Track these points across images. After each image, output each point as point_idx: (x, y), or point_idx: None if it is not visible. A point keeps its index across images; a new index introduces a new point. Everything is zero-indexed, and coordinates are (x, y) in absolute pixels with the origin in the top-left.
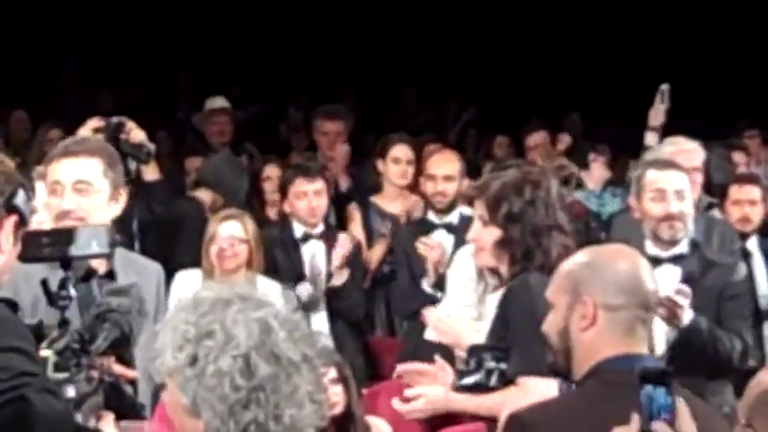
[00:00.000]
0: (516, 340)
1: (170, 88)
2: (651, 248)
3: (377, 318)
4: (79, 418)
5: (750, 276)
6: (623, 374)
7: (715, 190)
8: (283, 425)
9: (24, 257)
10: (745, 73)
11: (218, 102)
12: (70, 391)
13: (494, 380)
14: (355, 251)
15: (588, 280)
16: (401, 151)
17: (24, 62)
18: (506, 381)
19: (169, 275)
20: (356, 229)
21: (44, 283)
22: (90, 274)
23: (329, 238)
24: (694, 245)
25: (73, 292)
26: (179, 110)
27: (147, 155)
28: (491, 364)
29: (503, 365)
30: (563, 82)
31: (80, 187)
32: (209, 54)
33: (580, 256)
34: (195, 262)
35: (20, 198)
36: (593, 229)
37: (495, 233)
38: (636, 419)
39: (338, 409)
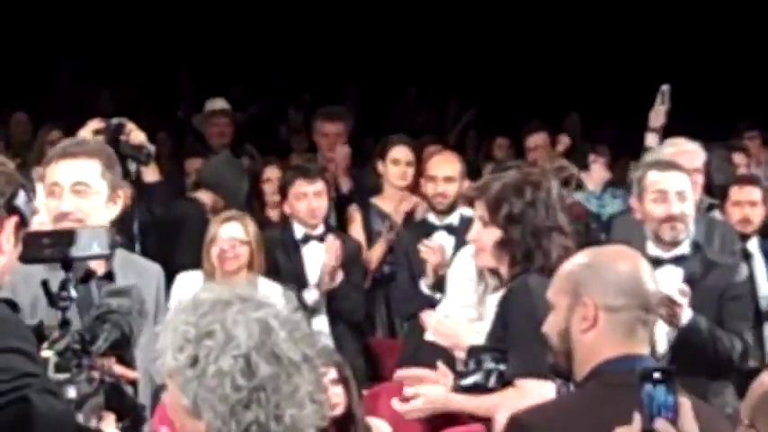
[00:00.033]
0: (515, 342)
1: (170, 89)
2: (653, 249)
3: (377, 319)
4: (80, 418)
5: (750, 277)
6: (624, 375)
7: (715, 191)
8: (284, 425)
9: (25, 258)
10: (745, 74)
11: (218, 103)
12: (71, 392)
13: (492, 381)
14: (356, 252)
15: (589, 281)
16: (401, 152)
17: (24, 63)
18: (505, 382)
19: (170, 277)
20: (356, 231)
21: (45, 284)
22: (89, 275)
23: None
24: (696, 246)
25: (74, 293)
26: (179, 109)
27: (147, 156)
28: (490, 364)
29: (501, 366)
30: (563, 83)
31: (78, 189)
32: (208, 54)
33: (580, 258)
34: (196, 263)
35: (21, 199)
36: (593, 231)
37: (495, 234)
38: (638, 418)
39: (339, 410)
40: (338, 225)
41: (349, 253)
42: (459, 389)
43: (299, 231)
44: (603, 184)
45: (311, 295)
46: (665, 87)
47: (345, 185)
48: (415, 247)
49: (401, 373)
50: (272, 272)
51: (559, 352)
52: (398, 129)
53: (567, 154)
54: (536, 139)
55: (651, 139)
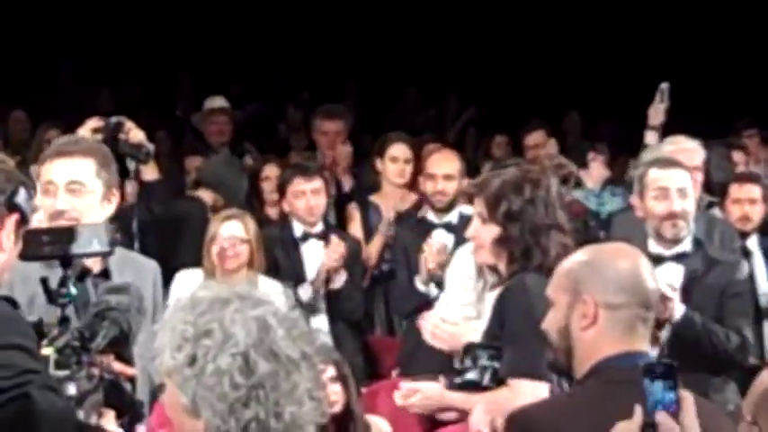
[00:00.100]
0: (511, 341)
1: (169, 88)
2: (654, 247)
3: (376, 317)
4: (81, 415)
5: (750, 275)
6: (624, 372)
7: (715, 189)
8: (284, 422)
9: (25, 256)
10: (745, 72)
11: (218, 101)
12: (71, 389)
13: (487, 378)
14: (356, 251)
15: (588, 279)
16: (399, 150)
17: (24, 62)
18: (500, 380)
19: (170, 275)
20: (356, 229)
21: (44, 281)
22: (84, 273)
23: (329, 238)
24: (697, 243)
25: (73, 290)
26: (177, 108)
27: (146, 155)
28: (485, 362)
29: (497, 364)
30: (562, 81)
31: (73, 188)
32: (208, 54)
33: (580, 255)
34: (196, 262)
35: (21, 196)
36: (591, 228)
37: (493, 231)
38: (639, 412)
39: (337, 408)
40: (337, 223)
41: (349, 252)
42: (454, 386)
43: (298, 229)
44: (603, 181)
45: (306, 292)
46: (664, 85)
47: (348, 184)
48: (413, 245)
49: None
50: (272, 270)
51: (559, 349)
52: (398, 128)
53: (565, 152)
54: (535, 138)
55: (650, 136)
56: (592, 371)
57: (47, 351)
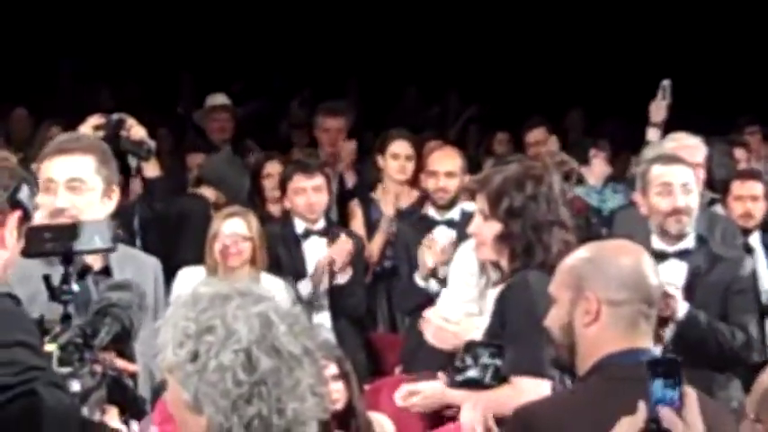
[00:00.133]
0: (512, 339)
1: (170, 86)
2: (657, 243)
3: (378, 313)
4: (85, 412)
5: (752, 272)
6: (627, 369)
7: (717, 186)
8: (286, 418)
9: (27, 252)
10: (746, 69)
11: (219, 98)
12: (75, 386)
13: (489, 376)
14: (358, 248)
15: (591, 275)
16: (400, 147)
17: (25, 62)
18: (502, 377)
19: (172, 272)
20: (357, 226)
21: (46, 278)
22: (85, 270)
23: (330, 234)
24: (701, 239)
25: (75, 287)
26: (181, 106)
27: (147, 152)
28: (487, 360)
29: (498, 361)
30: (564, 78)
31: (73, 185)
32: (209, 52)
33: (583, 252)
34: (198, 259)
35: (24, 193)
36: (593, 225)
37: (495, 227)
38: (642, 407)
39: (339, 406)
40: (339, 220)
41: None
42: (455, 384)
43: (299, 226)
44: (604, 178)
45: (305, 287)
46: (665, 82)
47: (350, 180)
48: (415, 242)
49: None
50: (273, 267)
51: (562, 346)
52: (400, 125)
53: (567, 148)
54: (536, 135)
55: (652, 133)
56: (594, 368)
57: (50, 348)
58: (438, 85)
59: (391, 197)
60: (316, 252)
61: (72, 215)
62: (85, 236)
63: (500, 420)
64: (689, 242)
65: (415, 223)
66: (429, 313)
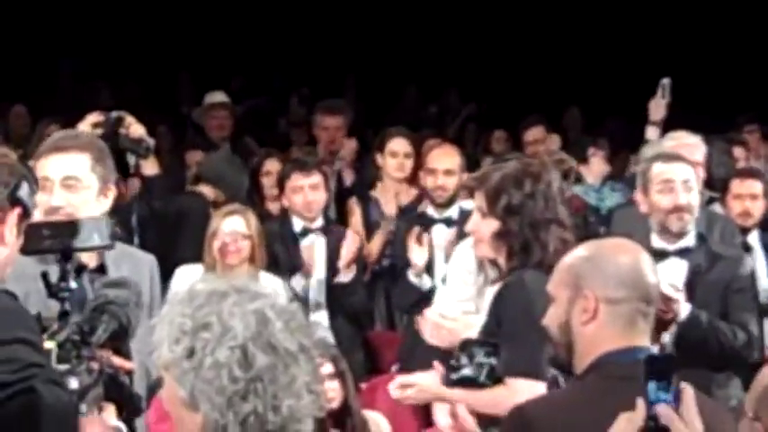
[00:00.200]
0: (508, 339)
1: (169, 84)
2: (657, 242)
3: (376, 312)
4: (83, 409)
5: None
6: (625, 367)
7: (716, 184)
8: (282, 415)
9: (26, 250)
10: (745, 68)
11: (218, 96)
12: (73, 383)
13: (484, 375)
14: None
15: (589, 274)
16: (398, 145)
17: (25, 62)
18: (496, 377)
19: (170, 270)
20: (356, 224)
21: (44, 275)
22: (81, 268)
23: (329, 232)
24: (701, 238)
25: (73, 284)
26: (180, 105)
27: (146, 149)
28: (482, 359)
29: (493, 360)
30: (562, 77)
31: (68, 183)
32: (208, 52)
33: (581, 250)
34: (196, 257)
35: (23, 190)
36: (591, 224)
37: (493, 225)
38: (641, 404)
39: (335, 404)
40: (338, 218)
41: None
42: (450, 382)
43: (297, 224)
44: (603, 177)
45: (298, 282)
46: (665, 81)
47: (349, 179)
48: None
49: (394, 387)
50: (271, 265)
51: (560, 344)
52: (399, 123)
53: (563, 148)
54: (534, 133)
55: (652, 132)
56: (592, 366)
57: (48, 345)
58: (437, 83)
59: (390, 195)
60: (314, 251)
61: (67, 213)
62: (84, 233)
63: (495, 420)
64: (689, 240)
65: (413, 221)
66: (427, 312)
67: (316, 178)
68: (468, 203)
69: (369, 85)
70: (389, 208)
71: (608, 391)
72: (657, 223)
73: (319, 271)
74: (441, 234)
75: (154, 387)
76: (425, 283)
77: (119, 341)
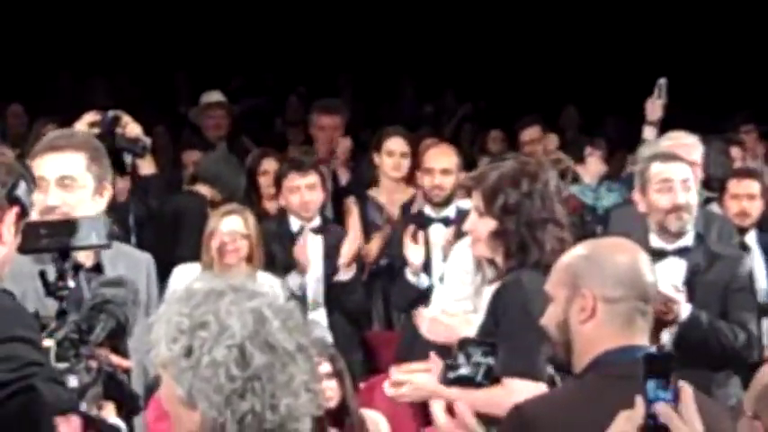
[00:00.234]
0: (505, 339)
1: (166, 84)
2: (656, 241)
3: (374, 311)
4: (83, 407)
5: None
6: (623, 366)
7: (713, 184)
8: (279, 414)
9: (24, 249)
10: (742, 68)
11: (214, 96)
12: (72, 381)
13: (480, 375)
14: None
15: (587, 273)
16: (395, 144)
17: (22, 61)
18: (494, 377)
19: (167, 269)
20: (353, 223)
21: (42, 274)
22: (77, 267)
23: (326, 232)
24: (699, 237)
25: (71, 283)
26: (177, 105)
27: (142, 149)
28: (479, 358)
29: (490, 360)
30: (560, 76)
31: (64, 183)
32: (205, 49)
33: (579, 250)
34: (194, 256)
35: (21, 189)
36: (588, 223)
37: (490, 224)
38: (640, 402)
39: (333, 403)
40: (335, 217)
41: None
42: (446, 381)
43: (294, 224)
44: (600, 177)
45: (294, 279)
46: (662, 81)
47: (345, 178)
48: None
49: (395, 371)
50: (269, 264)
51: (558, 343)
52: (395, 123)
53: (561, 148)
54: (530, 133)
55: (649, 132)
56: (591, 365)
57: (47, 343)
58: (433, 83)
59: (389, 195)
60: (311, 250)
61: (63, 213)
62: (82, 232)
63: (493, 420)
64: (688, 240)
65: (410, 220)
66: (425, 310)
67: (312, 178)
68: (465, 203)
69: (365, 84)
70: (393, 209)
71: (607, 390)
72: (656, 223)
73: (316, 270)
74: (438, 233)
75: (152, 386)
76: (423, 281)
77: (116, 340)
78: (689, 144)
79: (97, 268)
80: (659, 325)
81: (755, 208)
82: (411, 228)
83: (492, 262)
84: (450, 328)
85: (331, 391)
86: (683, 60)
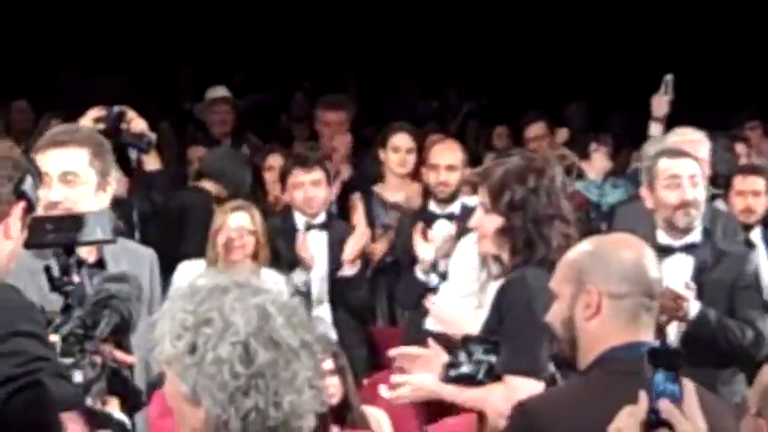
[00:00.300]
0: (508, 337)
1: (171, 79)
2: (663, 238)
3: (378, 308)
4: (88, 402)
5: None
6: (629, 363)
7: (718, 181)
8: (283, 411)
9: (29, 244)
10: (748, 64)
11: (219, 91)
12: (77, 376)
13: (482, 373)
14: None
15: (592, 269)
16: (401, 140)
17: (27, 57)
18: (495, 374)
19: (171, 265)
20: (359, 219)
21: (47, 269)
22: (79, 263)
23: (331, 227)
24: (707, 233)
25: (76, 278)
26: (182, 100)
27: (147, 144)
28: (481, 356)
29: (492, 358)
30: (565, 72)
31: (66, 178)
32: (210, 44)
33: (584, 246)
34: (198, 253)
35: (28, 184)
36: (593, 220)
37: (496, 221)
38: (644, 398)
39: (335, 400)
40: (340, 213)
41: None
42: (448, 379)
43: (299, 220)
44: (605, 173)
45: (299, 276)
46: (668, 77)
47: (347, 173)
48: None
49: (395, 351)
50: (273, 261)
51: (563, 340)
52: (400, 119)
53: (567, 144)
54: (535, 130)
55: (655, 128)
56: (596, 361)
57: (53, 338)
58: (437, 79)
59: (400, 192)
60: (315, 246)
61: (66, 208)
62: (87, 227)
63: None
64: (695, 236)
65: (415, 217)
66: (434, 297)
67: (317, 174)
68: (470, 199)
69: (369, 81)
70: (405, 206)
71: (612, 387)
72: (664, 219)
73: (321, 266)
74: (443, 229)
75: (154, 382)
76: (433, 279)
77: (120, 335)
78: (695, 140)
79: (100, 264)
80: (668, 320)
81: (761, 205)
82: (420, 225)
83: (498, 258)
84: (455, 319)
85: (333, 388)
86: (688, 56)
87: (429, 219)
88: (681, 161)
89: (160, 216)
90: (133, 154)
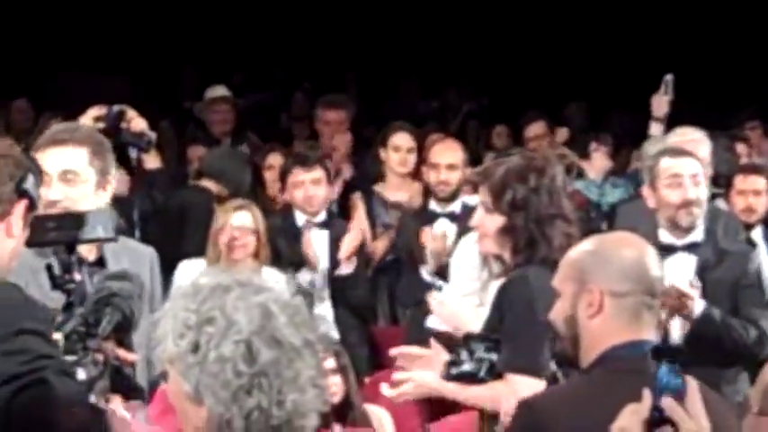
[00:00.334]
0: (509, 335)
1: (172, 78)
2: (665, 237)
3: (379, 307)
4: (92, 400)
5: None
6: (631, 361)
7: (719, 180)
8: (286, 410)
9: (31, 242)
10: (748, 64)
11: (219, 90)
12: (81, 374)
13: (483, 371)
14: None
15: (594, 268)
16: (402, 139)
17: (27, 56)
18: (497, 372)
19: (172, 264)
20: (360, 218)
21: (49, 267)
22: (80, 261)
23: (331, 226)
24: (709, 232)
25: (77, 276)
26: (182, 100)
27: (147, 143)
28: (482, 354)
29: (493, 356)
30: (565, 72)
31: (66, 177)
32: (210, 44)
33: (586, 245)
34: (199, 251)
35: (29, 182)
36: (593, 219)
37: (498, 220)
38: (647, 395)
39: (337, 399)
40: (340, 212)
41: None
42: (449, 377)
43: (300, 219)
44: (605, 172)
45: (304, 276)
46: (668, 77)
47: (347, 173)
48: (416, 235)
49: (396, 350)
50: (274, 259)
51: (566, 338)
52: (400, 118)
53: (567, 144)
54: (535, 129)
55: (655, 128)
56: (598, 360)
57: (56, 336)
58: (438, 79)
59: (401, 191)
60: (316, 245)
61: (65, 207)
62: (89, 225)
63: (491, 416)
64: (698, 235)
65: (416, 216)
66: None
67: (317, 173)
68: (470, 198)
69: (369, 81)
70: (407, 205)
71: (614, 385)
72: (666, 218)
73: (322, 264)
74: (443, 229)
75: (155, 380)
76: (438, 282)
77: (122, 333)
78: (696, 140)
79: (100, 262)
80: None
81: (762, 204)
82: (428, 229)
83: (499, 257)
84: (457, 316)
85: (335, 387)
86: (688, 56)
87: (429, 218)
88: (682, 160)
89: (161, 215)
90: (133, 153)
